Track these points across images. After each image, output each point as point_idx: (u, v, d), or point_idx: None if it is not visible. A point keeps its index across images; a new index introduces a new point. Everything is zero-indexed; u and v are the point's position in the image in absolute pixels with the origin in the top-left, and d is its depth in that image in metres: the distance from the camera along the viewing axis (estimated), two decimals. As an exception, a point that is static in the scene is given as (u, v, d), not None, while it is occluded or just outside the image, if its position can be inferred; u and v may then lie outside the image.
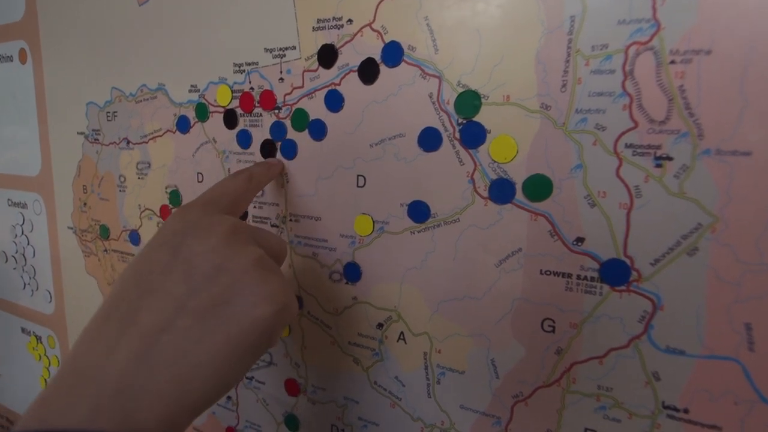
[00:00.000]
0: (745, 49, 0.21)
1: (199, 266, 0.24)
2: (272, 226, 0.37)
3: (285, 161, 0.35)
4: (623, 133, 0.24)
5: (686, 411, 0.25)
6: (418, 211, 0.30)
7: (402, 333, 0.33)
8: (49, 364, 0.60)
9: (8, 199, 0.59)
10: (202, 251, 0.24)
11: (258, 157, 0.36)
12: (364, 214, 0.33)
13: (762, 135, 0.21)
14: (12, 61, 0.54)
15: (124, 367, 0.21)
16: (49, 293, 0.58)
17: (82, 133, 0.49)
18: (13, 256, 0.61)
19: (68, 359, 0.22)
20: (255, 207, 0.38)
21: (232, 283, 0.23)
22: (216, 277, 0.23)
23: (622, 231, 0.25)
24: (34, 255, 0.58)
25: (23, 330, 0.62)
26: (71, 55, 0.48)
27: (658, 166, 0.23)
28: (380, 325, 0.33)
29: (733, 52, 0.21)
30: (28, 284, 0.60)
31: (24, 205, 0.58)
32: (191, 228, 0.25)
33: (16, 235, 0.60)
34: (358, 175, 0.32)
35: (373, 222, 0.32)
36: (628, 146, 0.24)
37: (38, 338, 0.60)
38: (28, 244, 0.58)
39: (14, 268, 0.61)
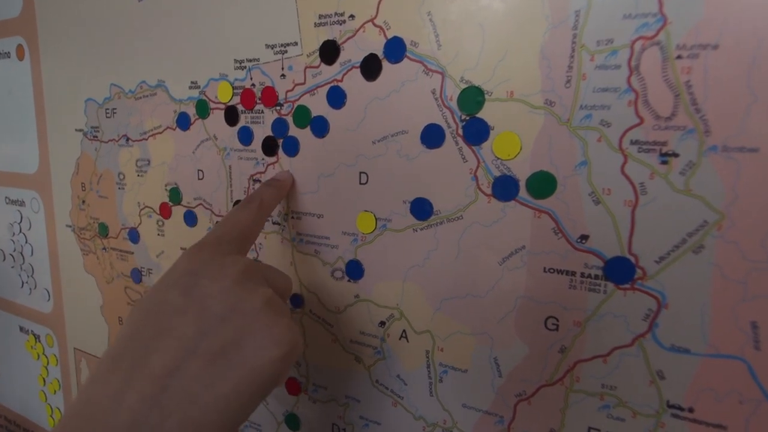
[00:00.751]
0: (752, 43, 0.21)
1: (211, 308, 0.24)
2: (274, 223, 0.37)
3: (287, 158, 0.35)
4: (628, 130, 0.24)
5: (691, 410, 0.25)
6: (421, 209, 0.30)
7: (404, 331, 0.32)
8: (48, 363, 0.60)
9: (6, 197, 0.59)
10: (215, 292, 0.24)
11: (259, 155, 0.36)
12: (366, 211, 0.32)
13: (769, 131, 0.21)
14: (9, 57, 0.54)
15: (135, 410, 0.21)
16: (48, 291, 0.57)
17: (80, 130, 0.49)
18: (11, 255, 0.60)
19: (78, 400, 0.22)
20: (255, 204, 0.37)
21: (244, 325, 0.24)
22: (228, 319, 0.24)
23: (627, 228, 0.24)
24: (32, 253, 0.58)
25: (21, 328, 0.62)
26: (69, 51, 0.48)
27: (664, 162, 0.23)
28: (382, 323, 0.33)
29: (740, 46, 0.21)
30: (26, 282, 0.59)
31: (22, 203, 0.57)
32: (204, 268, 0.25)
33: (14, 233, 0.59)
34: (360, 173, 0.32)
35: (376, 219, 0.32)
36: (633, 143, 0.24)
37: (36, 337, 0.60)
38: (26, 242, 0.58)
39: (12, 267, 0.61)
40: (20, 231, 0.58)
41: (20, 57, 0.53)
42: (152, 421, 0.21)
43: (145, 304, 0.25)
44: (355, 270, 0.34)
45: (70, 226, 0.53)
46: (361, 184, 0.32)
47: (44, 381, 0.61)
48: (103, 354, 0.24)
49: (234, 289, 0.24)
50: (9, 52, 0.54)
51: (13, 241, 0.60)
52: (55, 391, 0.60)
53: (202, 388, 0.22)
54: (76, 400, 0.22)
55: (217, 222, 0.30)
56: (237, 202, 0.38)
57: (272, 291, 0.26)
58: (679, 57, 0.22)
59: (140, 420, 0.21)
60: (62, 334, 0.57)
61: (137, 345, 0.23)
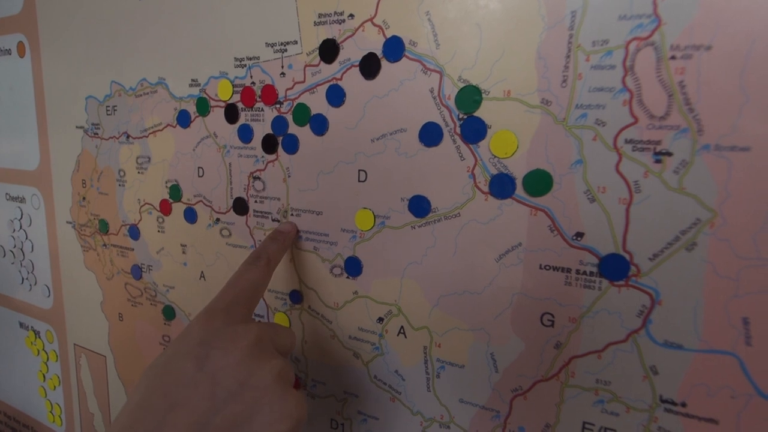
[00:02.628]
0: (745, 44, 0.21)
1: (223, 381, 0.25)
2: (273, 220, 0.37)
3: (286, 156, 0.35)
4: (623, 129, 0.24)
5: (684, 405, 0.25)
6: (419, 206, 0.31)
7: (402, 327, 0.33)
8: (47, 359, 0.60)
9: (6, 194, 0.59)
10: (227, 365, 0.25)
11: (259, 152, 0.37)
12: (365, 208, 0.33)
13: (761, 131, 0.22)
14: (10, 54, 0.54)
15: None
16: (48, 288, 0.58)
17: (81, 128, 0.49)
18: (11, 251, 0.61)
19: None
20: (256, 202, 0.38)
21: (255, 401, 0.24)
22: (240, 394, 0.24)
23: (622, 226, 0.25)
24: (32, 249, 0.58)
25: (21, 324, 0.62)
26: (70, 49, 0.48)
27: (658, 161, 0.24)
28: (380, 320, 0.34)
29: (733, 47, 0.22)
30: (27, 279, 0.60)
31: (22, 200, 0.58)
32: (215, 339, 0.26)
33: (14, 230, 0.59)
34: (359, 170, 0.33)
35: (374, 216, 0.32)
36: (627, 141, 0.24)
37: (36, 333, 0.60)
38: (27, 238, 0.58)
39: (12, 263, 0.61)
40: (20, 227, 0.59)
41: (21, 54, 0.53)
42: None
43: (158, 371, 0.25)
44: (353, 267, 0.34)
45: (70, 223, 0.53)
46: (359, 181, 0.33)
47: (44, 377, 0.61)
48: (114, 421, 0.24)
49: (246, 362, 0.25)
50: (10, 49, 0.54)
51: (13, 237, 0.60)
52: (54, 387, 0.60)
53: None
54: None
55: (227, 282, 0.31)
56: (238, 199, 0.38)
57: (282, 361, 0.26)
58: (672, 57, 0.23)
59: None
60: (62, 330, 0.57)
61: (150, 417, 0.23)
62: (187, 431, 0.23)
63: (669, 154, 0.23)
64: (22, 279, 0.60)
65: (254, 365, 0.25)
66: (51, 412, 0.62)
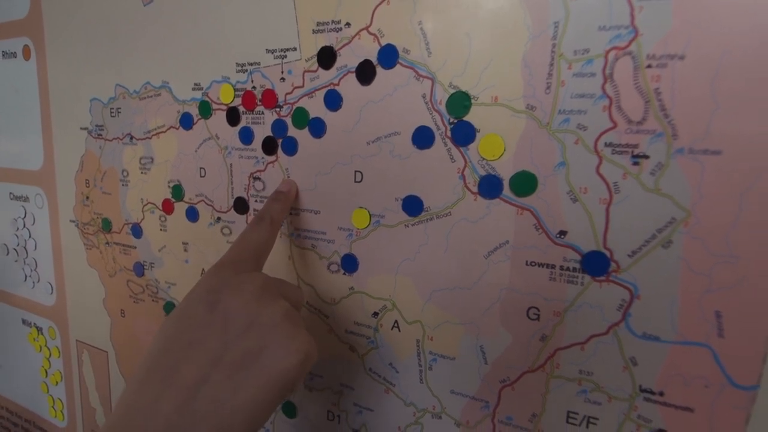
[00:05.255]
0: (716, 55, 0.23)
1: (233, 320, 0.26)
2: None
3: (285, 157, 0.37)
4: (603, 133, 0.26)
5: (661, 394, 0.26)
6: (412, 206, 0.32)
7: (396, 321, 0.34)
8: (50, 355, 0.61)
9: (10, 193, 0.60)
10: (236, 306, 0.27)
11: (259, 153, 0.38)
12: (361, 207, 0.34)
13: (731, 135, 0.23)
14: (15, 57, 0.55)
15: (170, 417, 0.23)
16: (51, 285, 0.59)
17: (85, 129, 0.50)
18: (14, 249, 0.62)
19: (118, 408, 0.25)
20: (256, 201, 0.39)
21: (263, 336, 0.26)
22: (249, 331, 0.26)
23: (602, 225, 0.26)
24: (35, 248, 0.59)
25: (24, 321, 0.63)
26: (75, 52, 0.49)
27: (636, 164, 0.25)
28: (375, 314, 0.35)
29: (705, 57, 0.23)
30: (30, 276, 0.61)
31: (26, 199, 0.59)
32: (225, 286, 0.28)
33: (17, 228, 0.60)
34: (355, 171, 0.34)
35: (370, 215, 0.34)
36: (607, 145, 0.26)
37: (39, 329, 0.61)
38: (30, 237, 0.59)
39: (16, 261, 0.62)
40: (24, 226, 0.60)
41: (26, 57, 0.54)
42: (185, 426, 0.23)
43: (174, 319, 0.27)
44: (350, 263, 0.35)
45: (73, 222, 0.54)
46: (356, 182, 0.34)
47: (46, 373, 0.62)
48: (138, 365, 0.26)
49: (253, 303, 0.27)
50: (15, 52, 0.55)
51: (17, 235, 0.61)
52: (57, 383, 0.61)
53: (227, 395, 0.24)
54: (116, 407, 0.25)
55: (232, 242, 0.32)
56: (238, 199, 0.40)
57: (288, 304, 0.28)
58: (649, 66, 0.24)
59: (175, 426, 0.23)
60: (64, 326, 0.58)
61: (168, 357, 0.26)
62: (202, 367, 0.25)
63: (646, 156, 0.25)
64: (26, 276, 0.61)
65: (261, 306, 0.27)
66: (53, 407, 0.63)
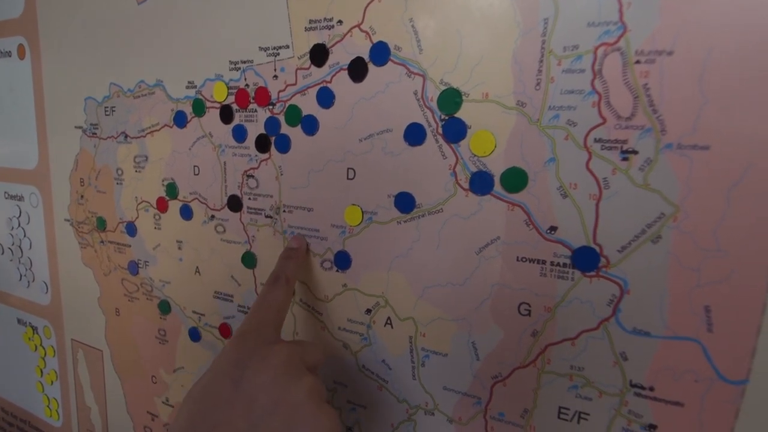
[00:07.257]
0: (704, 50, 0.23)
1: (258, 400, 0.26)
2: (266, 216, 0.39)
3: (279, 155, 0.37)
4: (592, 129, 0.26)
5: (652, 389, 0.26)
6: (405, 202, 0.32)
7: (389, 318, 0.34)
8: (45, 354, 0.61)
9: (5, 192, 0.60)
10: (261, 384, 0.26)
11: (253, 151, 0.38)
12: (353, 204, 0.34)
13: (720, 130, 0.23)
14: (10, 56, 0.55)
15: None
16: (46, 284, 0.59)
17: (79, 127, 0.50)
18: (9, 248, 0.62)
19: None
20: (250, 199, 0.39)
21: (290, 416, 0.26)
22: (275, 411, 0.26)
23: (592, 220, 0.26)
24: (30, 247, 0.59)
25: (19, 321, 0.63)
26: (70, 51, 0.49)
27: (625, 159, 0.25)
28: (368, 311, 0.35)
29: (692, 53, 0.23)
30: (24, 275, 0.61)
31: (20, 198, 0.59)
32: (249, 359, 0.28)
33: (12, 228, 0.60)
34: (348, 168, 0.34)
35: (362, 212, 0.34)
36: (597, 141, 0.26)
37: (34, 329, 0.61)
38: (25, 236, 0.59)
39: (10, 260, 0.62)
40: (19, 225, 0.60)
41: (21, 56, 0.54)
42: None
43: (197, 396, 0.27)
44: (343, 260, 0.35)
45: (68, 220, 0.54)
46: (348, 179, 0.34)
47: (41, 372, 0.62)
48: None
49: (279, 380, 0.27)
50: (10, 51, 0.55)
51: (11, 235, 0.61)
52: (52, 382, 0.61)
53: None
54: None
55: (251, 306, 0.33)
56: (232, 197, 0.40)
57: (313, 378, 0.28)
58: (637, 62, 0.24)
59: None
60: (60, 325, 0.58)
61: None
62: None
63: (635, 152, 0.25)
64: (21, 276, 0.61)
65: (287, 383, 0.27)
66: (48, 406, 0.63)
